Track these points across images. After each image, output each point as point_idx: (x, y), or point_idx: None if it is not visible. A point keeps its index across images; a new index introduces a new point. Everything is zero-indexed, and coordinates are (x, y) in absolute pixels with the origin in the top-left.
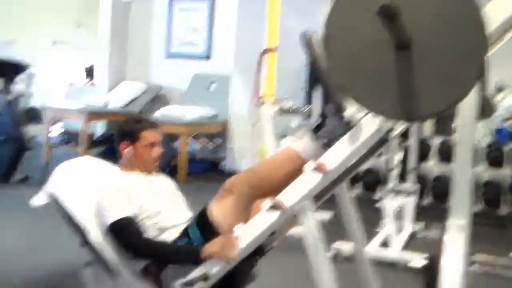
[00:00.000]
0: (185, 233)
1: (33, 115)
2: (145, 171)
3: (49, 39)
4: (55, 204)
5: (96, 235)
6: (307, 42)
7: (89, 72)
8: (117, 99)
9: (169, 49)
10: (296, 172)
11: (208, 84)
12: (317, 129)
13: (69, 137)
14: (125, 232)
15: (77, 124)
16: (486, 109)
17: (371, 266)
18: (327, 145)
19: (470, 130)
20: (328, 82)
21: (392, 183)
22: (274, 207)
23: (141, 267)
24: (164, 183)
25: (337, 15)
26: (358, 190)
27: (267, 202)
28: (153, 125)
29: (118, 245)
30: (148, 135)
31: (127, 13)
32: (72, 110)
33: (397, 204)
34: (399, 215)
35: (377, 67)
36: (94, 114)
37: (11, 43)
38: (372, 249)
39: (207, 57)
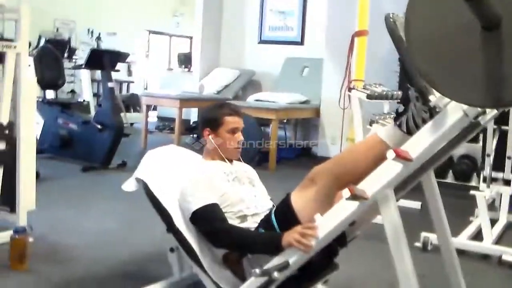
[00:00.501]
0: (265, 221)
1: (133, 103)
2: (227, 158)
3: (147, 29)
4: (144, 190)
5: (180, 222)
6: (390, 25)
7: (183, 60)
8: (211, 85)
9: (262, 35)
10: (381, 159)
11: (300, 68)
12: (399, 115)
13: (165, 124)
14: (208, 219)
15: (172, 111)
16: None
17: (456, 258)
18: (408, 132)
19: None
20: (410, 67)
21: (487, 170)
22: (354, 196)
23: (223, 254)
24: (246, 172)
25: (416, 2)
26: (451, 177)
27: (347, 191)
28: (235, 111)
29: (201, 232)
30: (230, 121)
31: (221, 0)
32: (166, 97)
33: (491, 193)
34: (493, 206)
35: (461, 52)
36: (187, 101)
37: (113, 34)
38: (462, 240)
39: (300, 42)
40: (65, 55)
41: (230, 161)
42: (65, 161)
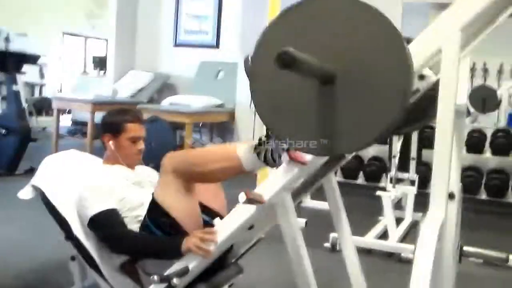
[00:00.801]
0: (144, 225)
1: (45, 106)
2: (127, 164)
3: (60, 30)
4: (41, 198)
5: (79, 229)
6: (247, 66)
7: (99, 63)
8: (125, 88)
9: (177, 38)
10: (230, 172)
11: (215, 72)
12: (260, 145)
13: (77, 128)
14: (106, 224)
15: (86, 114)
16: (488, 102)
17: (357, 257)
18: (265, 162)
19: (449, 116)
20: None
21: (392, 171)
22: (250, 200)
23: (121, 261)
24: (149, 176)
25: (260, 55)
26: (362, 178)
27: (242, 195)
28: (138, 118)
29: (99, 238)
30: (132, 128)
31: (136, 2)
32: (79, 100)
33: (397, 193)
34: (400, 205)
35: (301, 104)
36: (100, 104)
37: (23, 35)
38: (369, 239)
39: (215, 45)
40: None
41: (131, 167)
42: None
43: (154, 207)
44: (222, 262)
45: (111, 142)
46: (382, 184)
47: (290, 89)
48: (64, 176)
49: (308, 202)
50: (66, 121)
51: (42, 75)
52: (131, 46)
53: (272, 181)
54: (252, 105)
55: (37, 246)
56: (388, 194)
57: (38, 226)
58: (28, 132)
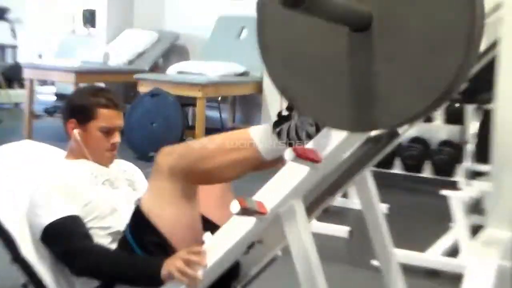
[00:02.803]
0: (122, 241)
1: (17, 75)
2: (97, 160)
3: None
4: None
5: (29, 247)
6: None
7: (90, 19)
8: (121, 52)
9: None
10: (245, 165)
11: (237, 30)
12: (281, 121)
13: (57, 106)
14: (64, 235)
15: (69, 87)
16: None
17: (401, 279)
18: (288, 144)
19: None
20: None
21: (466, 162)
22: (245, 210)
23: None
24: (125, 171)
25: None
26: (428, 171)
27: (235, 204)
28: (114, 103)
29: (55, 255)
30: (105, 116)
31: None
32: (59, 68)
33: (471, 193)
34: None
35: (326, 60)
36: (86, 74)
37: None
38: (433, 256)
39: None
40: None
41: (102, 164)
42: None
43: (139, 220)
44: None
45: (76, 131)
46: (456, 179)
47: (311, 43)
48: (11, 177)
49: (354, 203)
50: (47, 95)
51: (14, 35)
52: None
53: (276, 185)
54: None
55: None
56: (459, 194)
57: None
58: None
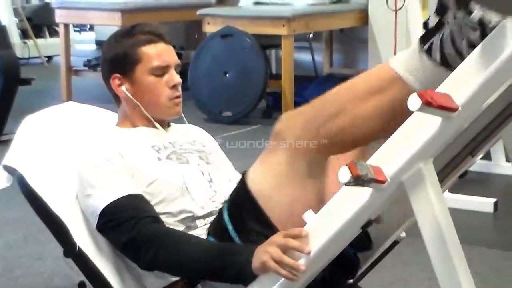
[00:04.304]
0: (217, 224)
1: (47, 19)
2: (158, 119)
3: None
4: (19, 186)
5: (85, 237)
6: None
7: None
8: None
9: None
10: (393, 108)
11: None
12: (430, 33)
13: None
14: (127, 221)
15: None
16: None
17: None
18: (444, 63)
19: None
20: None
21: None
22: (358, 178)
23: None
24: (195, 141)
25: None
26: None
27: (345, 170)
28: (156, 34)
29: (116, 246)
30: (152, 53)
31: None
32: (101, 8)
33: None
34: None
35: None
36: (136, 13)
37: None
38: None
39: None
40: None
41: (164, 124)
42: None
43: (243, 201)
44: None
45: (124, 87)
46: None
47: None
48: (58, 149)
49: (502, 167)
50: (87, 44)
51: None
52: None
53: (398, 143)
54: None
55: (26, 264)
56: None
57: (29, 232)
58: (14, 69)
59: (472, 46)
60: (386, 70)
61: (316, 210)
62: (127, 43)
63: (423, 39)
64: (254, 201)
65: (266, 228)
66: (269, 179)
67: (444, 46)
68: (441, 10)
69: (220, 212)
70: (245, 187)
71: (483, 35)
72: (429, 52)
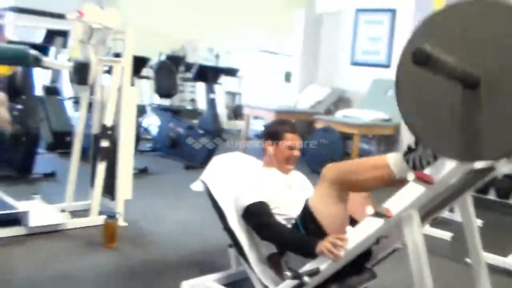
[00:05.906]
0: (295, 226)
1: (240, 112)
2: (281, 169)
3: (256, 48)
4: (206, 191)
5: (234, 222)
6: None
7: (287, 77)
8: (305, 100)
9: (354, 57)
10: (382, 180)
11: (386, 89)
12: (409, 151)
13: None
14: (258, 213)
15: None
16: None
17: (487, 277)
18: (414, 169)
19: None
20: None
21: None
22: (377, 213)
23: (268, 253)
24: (299, 180)
25: (404, 62)
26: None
27: (370, 208)
28: (295, 129)
29: (250, 226)
30: (289, 137)
31: (319, 25)
32: (264, 108)
33: None
34: None
35: (444, 107)
36: (283, 113)
37: (229, 53)
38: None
39: (387, 65)
40: (182, 69)
41: (285, 171)
42: (172, 159)
43: (307, 213)
44: (358, 267)
45: (270, 148)
46: None
47: (434, 94)
48: (228, 173)
49: (457, 216)
50: (257, 125)
51: (239, 86)
52: (314, 63)
53: (400, 198)
54: None
55: (208, 231)
56: None
57: (213, 214)
58: (220, 133)
59: (428, 164)
60: (385, 159)
61: (344, 220)
62: (280, 128)
63: (405, 153)
64: (312, 214)
65: (319, 228)
66: (320, 201)
67: (415, 161)
68: (416, 142)
69: (295, 218)
70: (308, 206)
71: (435, 158)
72: (407, 161)
